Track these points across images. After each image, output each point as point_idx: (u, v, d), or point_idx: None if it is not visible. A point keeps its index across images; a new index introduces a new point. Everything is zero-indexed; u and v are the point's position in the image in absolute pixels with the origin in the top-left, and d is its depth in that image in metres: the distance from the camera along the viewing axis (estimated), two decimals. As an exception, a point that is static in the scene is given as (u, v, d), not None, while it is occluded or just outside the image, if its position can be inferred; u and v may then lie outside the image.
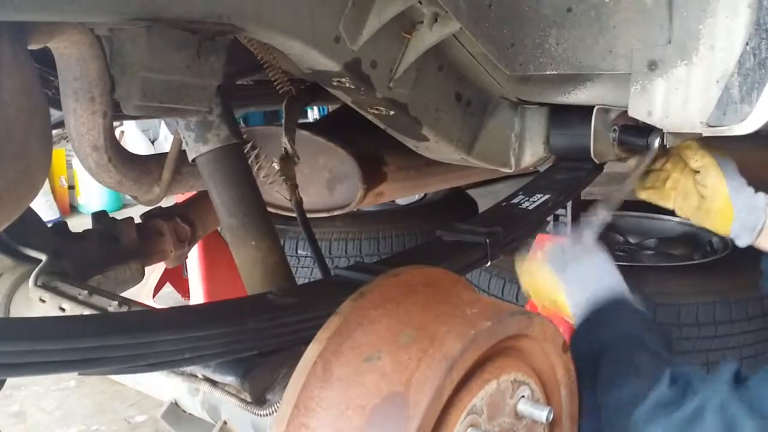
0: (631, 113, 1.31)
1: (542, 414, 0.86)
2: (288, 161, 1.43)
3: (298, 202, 1.40)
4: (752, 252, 1.48)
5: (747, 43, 1.14)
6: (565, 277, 1.22)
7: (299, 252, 2.77)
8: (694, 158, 1.44)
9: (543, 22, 1.30)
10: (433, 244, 1.31)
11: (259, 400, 0.99)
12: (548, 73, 1.34)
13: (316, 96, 1.59)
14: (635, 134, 1.48)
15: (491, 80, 1.43)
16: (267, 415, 0.98)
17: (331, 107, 2.39)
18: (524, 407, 0.87)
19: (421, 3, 1.21)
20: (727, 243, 2.51)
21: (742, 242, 1.43)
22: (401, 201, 3.24)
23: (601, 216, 1.38)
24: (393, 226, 2.87)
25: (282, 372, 1.00)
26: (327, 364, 0.80)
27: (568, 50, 1.31)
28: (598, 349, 1.08)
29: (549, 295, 1.25)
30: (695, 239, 2.70)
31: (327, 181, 1.67)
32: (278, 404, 0.96)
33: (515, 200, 1.44)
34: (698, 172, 1.45)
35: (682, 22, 1.21)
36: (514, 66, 1.33)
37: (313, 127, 1.70)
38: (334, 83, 1.27)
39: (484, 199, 3.68)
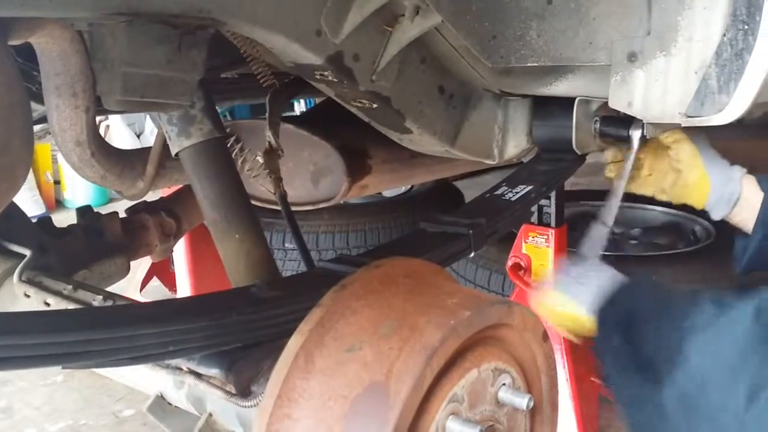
0: (612, 104, 1.32)
1: (523, 401, 0.87)
2: (272, 155, 1.44)
3: (282, 196, 1.40)
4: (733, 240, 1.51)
5: (724, 34, 1.15)
6: (573, 293, 1.27)
7: (286, 245, 2.78)
8: (667, 136, 1.47)
9: (524, 15, 1.31)
10: (417, 235, 1.31)
11: (243, 391, 1.00)
12: (530, 65, 1.35)
13: (300, 89, 1.59)
14: (616, 125, 1.50)
15: (474, 72, 1.44)
16: (252, 406, 0.99)
17: (318, 100, 2.40)
18: (505, 395, 0.88)
19: (402, -4, 1.22)
20: (709, 232, 2.53)
21: (717, 215, 1.46)
22: (388, 193, 3.25)
23: (599, 232, 1.42)
24: (380, 219, 2.88)
25: (266, 364, 1.01)
26: (309, 355, 0.81)
27: (549, 42, 1.32)
28: (626, 322, 1.15)
29: (568, 317, 1.28)
30: (679, 228, 2.72)
31: (312, 174, 1.67)
32: (263, 396, 0.97)
33: (498, 191, 1.45)
34: (671, 149, 1.47)
35: (661, 13, 1.22)
36: (496, 58, 1.34)
37: (298, 121, 1.70)
38: (317, 76, 1.27)
39: (471, 191, 3.69)
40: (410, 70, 1.38)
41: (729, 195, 1.43)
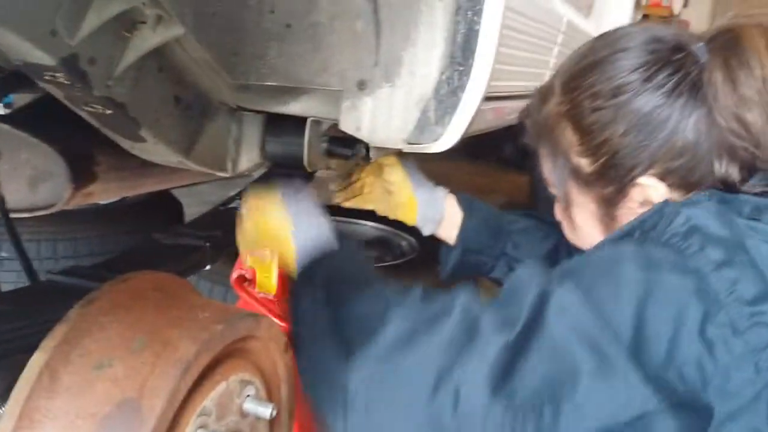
0: (342, 127, 1.42)
1: (266, 411, 0.92)
2: (-13, 156, 1.31)
3: (0, 200, 1.29)
4: (435, 255, 1.70)
5: (443, 73, 1.30)
6: (295, 220, 1.29)
7: (1, 254, 2.51)
8: (383, 160, 1.62)
9: (264, 35, 1.36)
10: (151, 246, 1.29)
11: (-38, 416, 0.91)
12: (268, 83, 1.40)
13: (17, 86, 1.47)
14: (342, 145, 1.61)
15: (212, 85, 1.45)
16: (-27, 432, 0.91)
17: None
18: (250, 405, 0.92)
19: (144, 4, 1.20)
20: (413, 246, 2.79)
21: (426, 231, 1.66)
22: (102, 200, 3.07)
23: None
24: (93, 227, 2.72)
25: (-8, 385, 0.93)
26: (54, 373, 0.77)
27: (287, 64, 1.39)
28: (334, 276, 1.15)
29: (276, 233, 1.29)
30: (388, 243, 2.95)
31: (29, 178, 1.55)
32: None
33: (233, 205, 1.48)
34: (385, 172, 1.63)
35: (388, 48, 1.34)
36: (236, 74, 1.37)
37: (14, 119, 1.56)
38: (47, 77, 1.20)
39: (188, 199, 3.64)
40: (148, 79, 1.35)
41: (433, 215, 1.62)
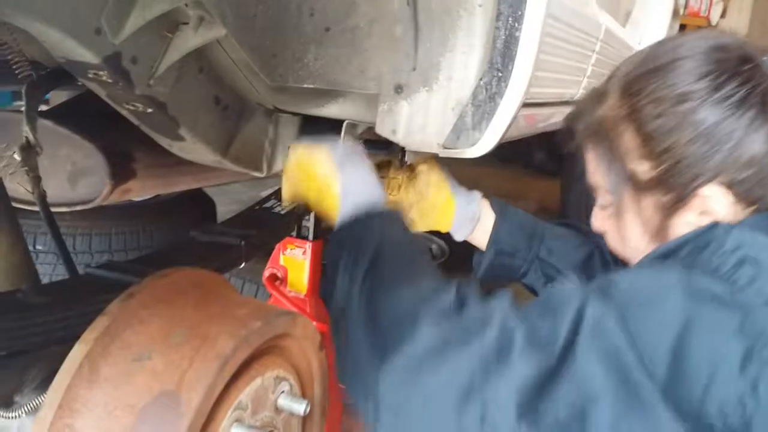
0: (378, 130, 1.42)
1: (300, 407, 0.93)
2: (30, 151, 1.34)
3: (42, 196, 1.32)
4: (465, 258, 1.70)
5: (481, 78, 1.30)
6: (342, 171, 1.26)
7: (38, 247, 2.56)
8: (419, 163, 1.62)
9: (303, 38, 1.37)
10: (187, 244, 1.31)
11: (5, 402, 0.93)
12: (306, 86, 1.42)
13: (59, 82, 1.51)
14: (378, 148, 1.62)
15: (250, 87, 1.47)
16: (14, 417, 0.93)
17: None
18: (284, 401, 0.93)
19: (187, 5, 1.22)
20: (443, 250, 2.79)
21: (460, 236, 1.63)
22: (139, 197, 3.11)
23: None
24: (127, 223, 2.76)
25: (32, 373, 0.95)
26: (94, 364, 0.79)
27: (325, 67, 1.40)
28: (376, 246, 1.10)
29: (322, 181, 1.27)
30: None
31: (69, 174, 1.58)
32: (27, 406, 0.92)
33: (268, 204, 1.49)
34: (422, 174, 1.63)
35: (426, 53, 1.35)
36: (275, 76, 1.39)
37: (55, 115, 1.60)
38: (90, 75, 1.22)
39: (220, 197, 3.68)
40: (188, 78, 1.38)
41: (471, 215, 1.61)
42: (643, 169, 1.09)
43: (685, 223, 1.05)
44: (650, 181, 1.08)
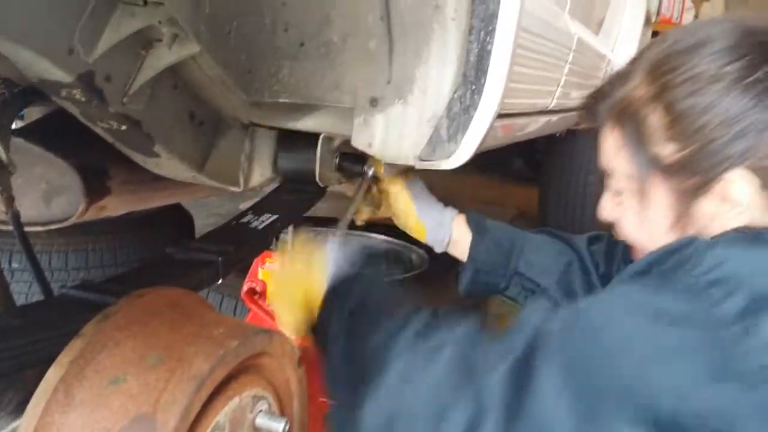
0: (354, 143, 1.43)
1: (279, 426, 0.92)
2: (3, 171, 1.33)
3: (16, 216, 1.30)
4: (445, 267, 1.71)
5: (455, 91, 1.31)
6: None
7: (13, 265, 2.53)
8: (389, 185, 1.63)
9: (278, 53, 1.38)
10: (164, 261, 1.30)
11: (-22, 429, 0.92)
12: (281, 101, 1.42)
13: (33, 100, 1.49)
14: (354, 161, 1.62)
15: (225, 102, 1.47)
16: (-12, 445, 0.92)
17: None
18: (262, 421, 0.93)
19: (161, 23, 1.21)
20: (423, 260, 2.79)
21: (437, 250, 1.66)
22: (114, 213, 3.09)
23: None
24: (104, 238, 2.73)
25: (7, 397, 0.94)
26: (69, 388, 0.78)
27: (300, 81, 1.40)
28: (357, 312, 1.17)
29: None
30: (399, 256, 2.96)
31: (44, 192, 1.57)
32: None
33: (244, 220, 1.49)
34: (391, 198, 1.65)
35: (400, 66, 1.36)
36: (250, 92, 1.39)
37: (28, 133, 1.58)
38: (63, 94, 1.21)
39: (198, 211, 3.66)
40: (162, 95, 1.37)
41: (441, 238, 1.62)
42: (669, 151, 1.04)
43: (705, 213, 1.03)
44: (675, 164, 1.03)
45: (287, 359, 0.97)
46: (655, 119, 1.06)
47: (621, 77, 1.14)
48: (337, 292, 1.24)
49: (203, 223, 3.68)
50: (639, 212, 1.14)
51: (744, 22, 1.06)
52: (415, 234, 1.65)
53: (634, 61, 1.15)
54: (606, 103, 1.16)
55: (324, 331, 1.17)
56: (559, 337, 0.89)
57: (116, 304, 0.87)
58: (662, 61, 1.08)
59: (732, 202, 1.00)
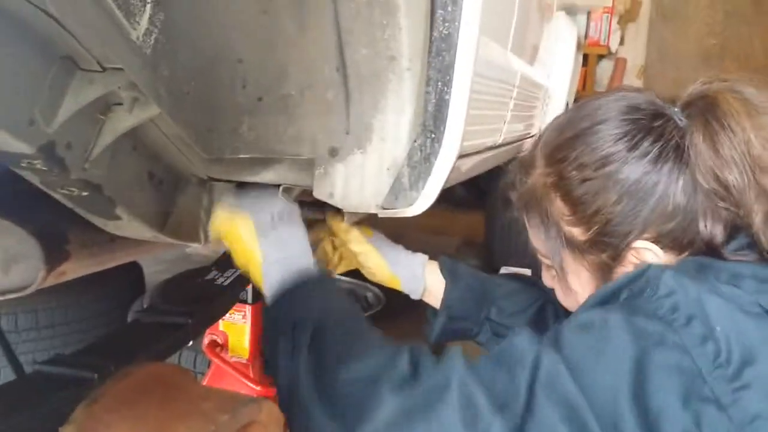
0: (315, 194, 1.44)
1: (270, 492, 0.92)
2: (-42, 244, 1.30)
3: (-24, 290, 1.27)
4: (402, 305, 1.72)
5: (415, 140, 1.34)
6: (266, 242, 1.30)
7: None
8: (355, 245, 1.63)
9: (237, 110, 1.38)
10: (133, 327, 1.29)
11: None
12: (241, 156, 1.42)
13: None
14: (314, 210, 1.63)
15: (184, 159, 1.47)
16: None
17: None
18: (253, 487, 0.92)
19: (120, 88, 1.21)
20: (380, 299, 2.81)
21: (413, 297, 1.67)
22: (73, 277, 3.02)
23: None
24: (54, 297, 2.66)
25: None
26: (64, 478, 0.77)
27: (259, 136, 1.41)
28: (314, 321, 1.13)
29: (244, 255, 1.32)
30: (354, 294, 2.97)
31: (2, 261, 1.52)
32: None
33: (209, 276, 1.48)
34: (360, 257, 1.64)
35: (358, 116, 1.38)
36: (211, 149, 1.39)
37: (-20, 201, 1.54)
38: (24, 165, 1.19)
39: (145, 260, 3.60)
40: (122, 158, 1.36)
41: (416, 287, 1.64)
42: (577, 232, 1.15)
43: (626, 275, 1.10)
44: (585, 243, 1.15)
45: (274, 425, 0.96)
46: (557, 207, 1.20)
47: (525, 166, 1.26)
48: (283, 314, 1.19)
49: (153, 270, 3.62)
50: (565, 286, 1.26)
51: (627, 99, 1.16)
52: (390, 285, 1.65)
53: (535, 145, 1.25)
54: (516, 192, 1.29)
55: (276, 365, 1.07)
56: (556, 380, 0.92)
57: (103, 385, 0.86)
58: (556, 149, 1.21)
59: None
